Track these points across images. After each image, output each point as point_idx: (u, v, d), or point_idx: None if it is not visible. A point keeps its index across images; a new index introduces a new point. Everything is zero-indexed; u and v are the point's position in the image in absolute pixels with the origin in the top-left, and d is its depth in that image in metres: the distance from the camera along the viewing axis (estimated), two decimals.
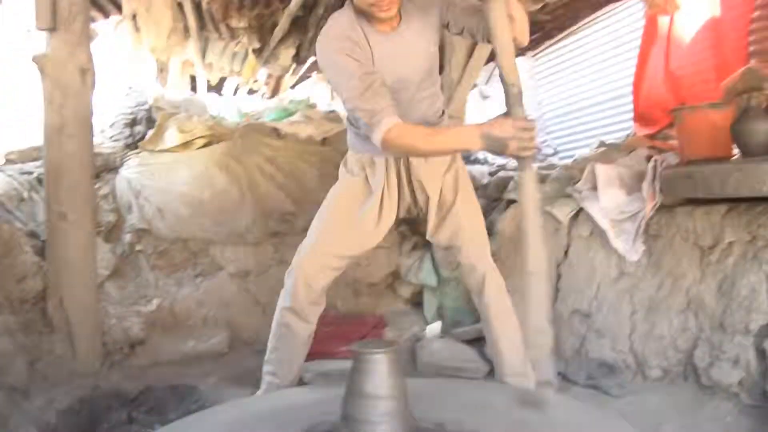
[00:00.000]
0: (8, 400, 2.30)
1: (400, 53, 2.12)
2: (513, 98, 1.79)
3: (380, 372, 1.18)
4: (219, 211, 3.84)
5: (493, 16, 1.80)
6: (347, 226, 2.34)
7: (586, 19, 6.33)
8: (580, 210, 3.11)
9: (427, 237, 2.47)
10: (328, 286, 2.41)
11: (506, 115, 1.83)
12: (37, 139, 3.33)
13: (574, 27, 6.49)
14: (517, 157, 1.82)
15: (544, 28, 6.08)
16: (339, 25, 2.08)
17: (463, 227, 2.37)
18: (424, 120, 2.26)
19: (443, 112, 2.43)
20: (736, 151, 2.69)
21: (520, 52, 7.07)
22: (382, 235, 2.42)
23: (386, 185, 2.33)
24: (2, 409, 2.23)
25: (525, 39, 2.05)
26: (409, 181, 2.36)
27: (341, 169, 2.46)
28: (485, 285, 2.35)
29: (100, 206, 3.62)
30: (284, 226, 3.95)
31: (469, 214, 2.40)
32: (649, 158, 3.05)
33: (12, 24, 4.80)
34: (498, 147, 1.82)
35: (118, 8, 5.08)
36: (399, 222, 3.85)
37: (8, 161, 3.89)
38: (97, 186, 3.55)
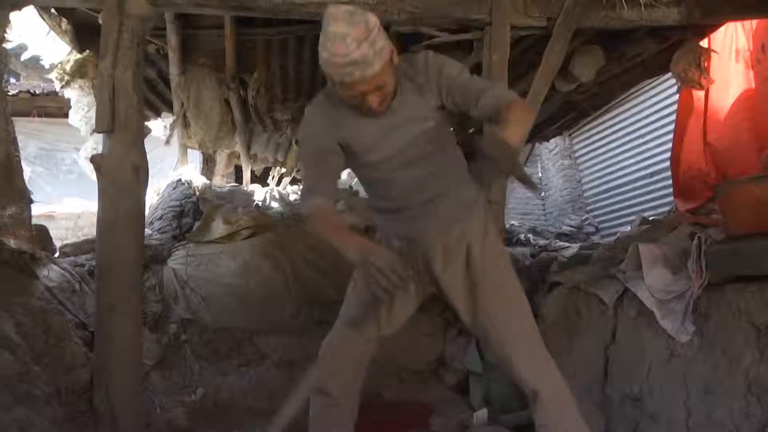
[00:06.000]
0: None
1: (392, 131, 1.93)
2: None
3: None
4: (264, 300, 3.89)
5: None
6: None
7: (621, 97, 6.38)
8: (626, 291, 3.05)
9: (468, 326, 2.20)
10: (359, 367, 2.30)
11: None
12: (90, 233, 3.46)
13: (609, 104, 6.53)
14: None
15: (579, 108, 6.14)
16: (323, 103, 1.99)
17: (499, 320, 2.04)
18: (442, 193, 2.05)
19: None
20: None
21: (557, 131, 7.15)
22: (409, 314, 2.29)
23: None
24: None
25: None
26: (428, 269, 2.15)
27: None
28: (537, 405, 2.03)
29: (147, 297, 3.71)
30: (329, 314, 3.95)
31: (505, 297, 2.08)
32: (692, 235, 2.99)
33: None
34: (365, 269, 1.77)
35: (169, 106, 5.37)
36: (443, 308, 3.80)
37: (62, 254, 4.05)
38: (144, 277, 3.65)
